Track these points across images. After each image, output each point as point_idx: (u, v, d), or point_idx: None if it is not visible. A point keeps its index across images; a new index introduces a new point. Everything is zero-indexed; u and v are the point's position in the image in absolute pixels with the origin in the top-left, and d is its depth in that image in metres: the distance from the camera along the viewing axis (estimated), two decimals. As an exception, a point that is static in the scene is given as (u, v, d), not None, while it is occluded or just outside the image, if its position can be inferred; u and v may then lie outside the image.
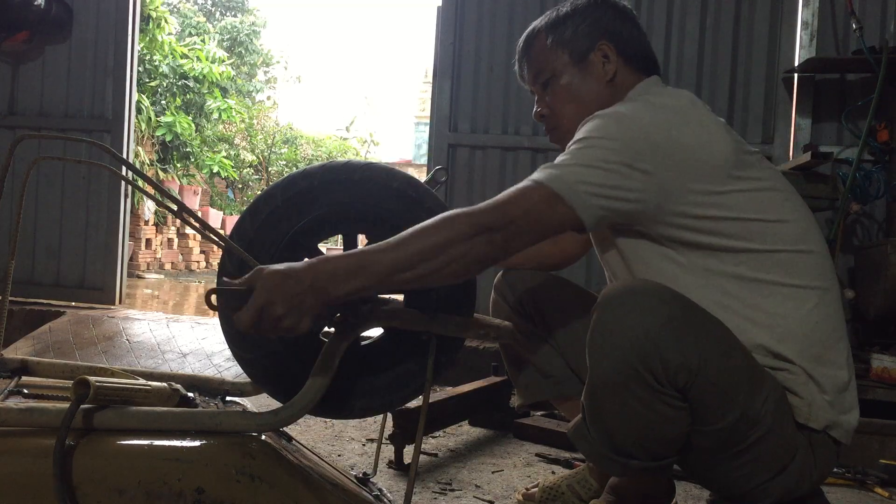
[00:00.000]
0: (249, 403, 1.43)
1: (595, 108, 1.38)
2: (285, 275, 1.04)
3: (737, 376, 1.17)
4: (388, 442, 2.00)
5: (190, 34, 11.89)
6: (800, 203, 1.33)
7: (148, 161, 8.38)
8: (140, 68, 8.20)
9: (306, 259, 1.10)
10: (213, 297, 1.05)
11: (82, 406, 1.07)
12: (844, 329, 1.32)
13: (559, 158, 1.24)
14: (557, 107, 1.44)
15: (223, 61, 10.08)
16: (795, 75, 3.48)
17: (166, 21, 8.45)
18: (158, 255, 8.68)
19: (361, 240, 1.34)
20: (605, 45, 1.40)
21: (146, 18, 8.05)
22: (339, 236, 1.32)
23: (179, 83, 9.31)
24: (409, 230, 1.12)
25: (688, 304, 1.18)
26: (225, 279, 1.08)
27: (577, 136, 1.26)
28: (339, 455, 2.12)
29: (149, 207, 8.03)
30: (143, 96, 8.15)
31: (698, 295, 1.24)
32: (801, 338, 1.25)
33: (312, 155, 14.32)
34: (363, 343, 1.35)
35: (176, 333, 3.54)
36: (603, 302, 1.16)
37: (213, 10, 15.48)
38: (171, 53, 8.92)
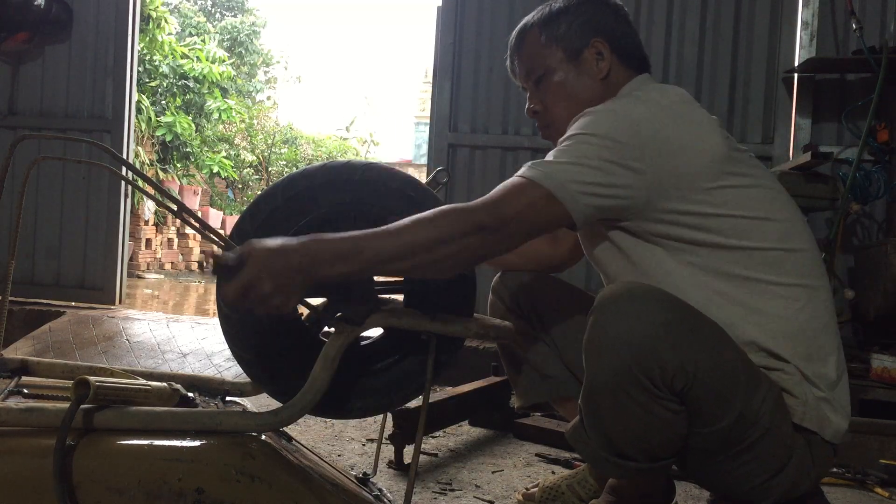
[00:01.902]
0: (249, 403, 1.43)
1: (588, 105, 1.38)
2: (276, 252, 1.04)
3: (734, 378, 1.17)
4: (388, 442, 2.00)
5: (190, 34, 11.88)
6: (788, 201, 1.34)
7: (148, 161, 8.38)
8: (140, 68, 8.20)
9: (300, 237, 1.10)
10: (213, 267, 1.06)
11: (82, 406, 1.07)
12: (835, 327, 1.32)
13: (550, 155, 1.25)
14: (551, 104, 1.44)
15: (223, 61, 10.08)
16: (795, 75, 3.48)
17: (166, 21, 8.44)
18: (158, 255, 8.67)
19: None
20: (598, 43, 1.41)
21: (146, 18, 8.05)
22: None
23: (179, 83, 9.30)
24: (406, 220, 1.13)
25: (684, 307, 1.18)
26: (220, 252, 1.08)
27: (569, 132, 1.27)
28: (339, 455, 2.12)
29: (149, 207, 8.02)
30: (143, 96, 8.15)
31: (689, 292, 1.24)
32: (790, 336, 1.26)
33: (312, 155, 14.31)
34: (363, 343, 1.35)
35: (176, 333, 3.54)
36: (599, 305, 1.16)
37: (213, 10, 15.48)
38: (171, 53, 8.92)
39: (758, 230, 1.26)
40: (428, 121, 4.02)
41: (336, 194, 1.25)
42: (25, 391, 1.29)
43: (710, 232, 1.25)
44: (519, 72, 1.50)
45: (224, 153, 11.09)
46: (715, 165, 1.24)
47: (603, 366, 1.15)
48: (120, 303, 4.27)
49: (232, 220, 9.92)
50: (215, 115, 9.98)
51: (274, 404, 1.22)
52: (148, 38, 8.23)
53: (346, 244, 1.09)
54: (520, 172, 1.22)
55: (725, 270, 1.26)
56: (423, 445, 2.18)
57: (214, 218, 10.05)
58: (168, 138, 8.85)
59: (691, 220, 1.25)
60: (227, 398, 1.43)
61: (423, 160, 15.91)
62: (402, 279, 1.33)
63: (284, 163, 13.60)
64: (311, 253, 1.06)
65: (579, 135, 1.24)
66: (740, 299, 1.26)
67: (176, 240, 9.11)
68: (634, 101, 1.30)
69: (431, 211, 1.15)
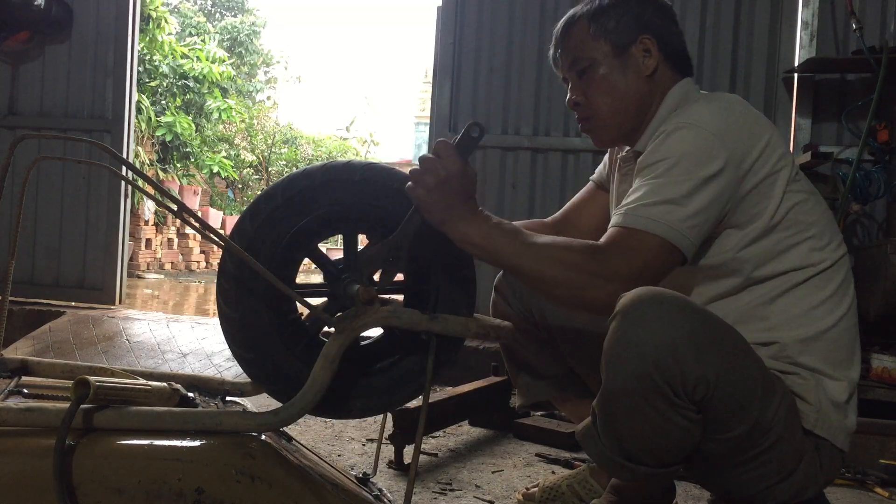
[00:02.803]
0: (249, 403, 1.43)
1: (631, 101, 1.41)
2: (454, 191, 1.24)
3: (752, 387, 1.17)
4: (388, 442, 2.00)
5: (190, 34, 11.89)
6: (826, 205, 1.38)
7: (148, 161, 8.38)
8: (140, 68, 8.20)
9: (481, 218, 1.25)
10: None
11: (82, 406, 1.07)
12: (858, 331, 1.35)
13: (642, 189, 1.25)
14: (593, 97, 1.44)
15: (223, 61, 10.08)
16: (795, 75, 3.48)
17: (166, 21, 8.44)
18: (158, 255, 8.67)
19: (362, 240, 1.34)
20: (647, 39, 1.41)
21: (146, 18, 8.05)
22: (340, 236, 1.32)
23: (179, 83, 9.30)
24: (551, 243, 1.24)
25: (706, 316, 1.18)
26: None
27: (650, 158, 1.28)
28: (339, 455, 2.12)
29: (149, 207, 8.02)
30: (143, 96, 8.15)
31: (733, 298, 1.29)
32: (830, 341, 1.28)
33: (312, 155, 14.32)
34: (363, 343, 1.35)
35: (176, 333, 3.54)
36: (622, 310, 1.15)
37: (213, 10, 15.48)
38: (171, 53, 8.92)
39: (820, 232, 1.31)
40: (428, 121, 4.02)
41: (336, 194, 1.25)
42: (25, 391, 1.29)
43: (781, 233, 1.29)
44: (562, 63, 1.48)
45: (224, 153, 11.09)
46: (786, 170, 1.29)
47: (623, 371, 1.13)
48: (120, 303, 4.27)
49: (232, 220, 9.93)
50: (215, 115, 9.98)
51: (274, 404, 1.22)
52: (148, 38, 8.23)
53: (495, 231, 1.24)
54: (623, 222, 1.24)
55: (784, 271, 1.30)
56: (423, 445, 2.18)
57: (214, 218, 10.06)
58: (168, 138, 8.85)
59: (765, 222, 1.29)
60: (227, 398, 1.43)
61: (423, 160, 15.85)
62: (402, 280, 1.33)
63: (284, 163, 13.61)
64: (468, 215, 1.24)
65: (666, 161, 1.25)
66: (791, 302, 1.29)
67: (176, 240, 9.11)
68: (704, 110, 1.31)
69: (577, 245, 1.24)
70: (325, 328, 1.30)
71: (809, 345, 1.28)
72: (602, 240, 1.25)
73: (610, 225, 1.27)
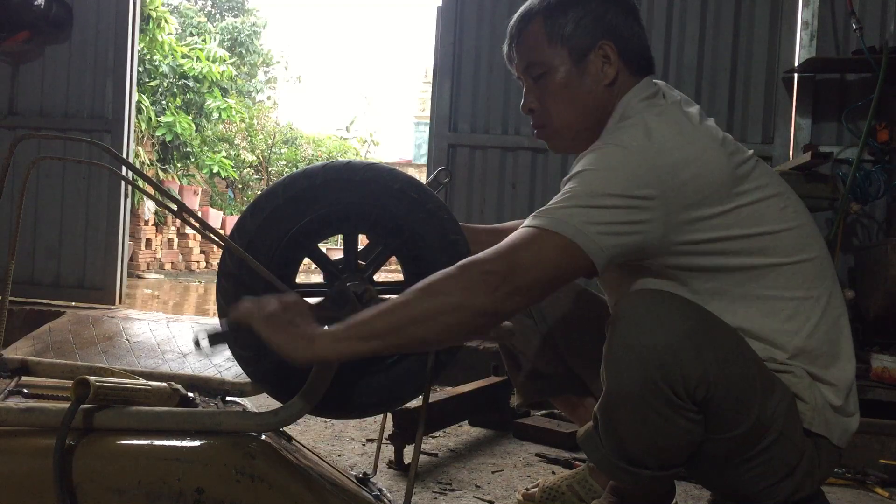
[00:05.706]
0: (249, 403, 1.43)
1: (589, 111, 1.34)
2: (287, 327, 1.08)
3: (751, 385, 1.16)
4: (388, 442, 2.00)
5: (190, 34, 11.89)
6: (799, 205, 1.31)
7: (148, 161, 8.38)
8: (140, 68, 8.20)
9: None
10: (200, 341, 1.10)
11: (82, 406, 1.07)
12: (849, 329, 1.31)
13: (560, 199, 1.18)
14: (549, 104, 1.37)
15: (224, 61, 10.08)
16: (795, 75, 3.48)
17: (166, 21, 8.44)
18: (158, 255, 8.67)
19: (362, 240, 1.34)
20: (606, 45, 1.32)
21: (146, 18, 8.05)
22: (340, 236, 1.32)
23: (179, 83, 9.31)
24: (416, 289, 1.10)
25: (704, 316, 1.16)
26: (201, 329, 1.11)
27: (574, 170, 1.23)
28: (339, 455, 2.12)
29: (149, 207, 8.02)
30: (143, 96, 8.15)
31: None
32: (809, 351, 1.24)
33: (313, 155, 14.32)
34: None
35: (176, 333, 3.54)
36: (621, 314, 1.14)
37: (214, 10, 15.48)
38: (172, 53, 8.92)
39: (773, 244, 1.23)
40: (428, 121, 4.02)
41: (337, 194, 1.25)
42: (25, 391, 1.29)
43: (727, 255, 1.21)
44: (518, 63, 1.40)
45: (224, 153, 11.09)
46: (726, 187, 1.20)
47: (625, 375, 1.12)
48: (120, 303, 4.26)
49: (232, 220, 9.92)
50: (215, 115, 9.98)
51: (274, 404, 1.22)
52: (148, 38, 8.24)
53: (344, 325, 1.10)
54: (527, 223, 1.16)
55: (743, 293, 1.23)
56: (423, 445, 2.18)
57: (214, 218, 10.06)
58: (168, 138, 8.85)
59: (708, 248, 1.20)
60: (227, 398, 1.43)
61: (423, 160, 15.91)
62: (402, 280, 1.33)
63: (284, 163, 13.61)
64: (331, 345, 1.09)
65: (587, 172, 1.19)
66: (759, 321, 1.23)
67: (176, 240, 9.11)
68: (636, 132, 1.23)
69: (448, 271, 1.11)
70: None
71: (795, 359, 1.24)
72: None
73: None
